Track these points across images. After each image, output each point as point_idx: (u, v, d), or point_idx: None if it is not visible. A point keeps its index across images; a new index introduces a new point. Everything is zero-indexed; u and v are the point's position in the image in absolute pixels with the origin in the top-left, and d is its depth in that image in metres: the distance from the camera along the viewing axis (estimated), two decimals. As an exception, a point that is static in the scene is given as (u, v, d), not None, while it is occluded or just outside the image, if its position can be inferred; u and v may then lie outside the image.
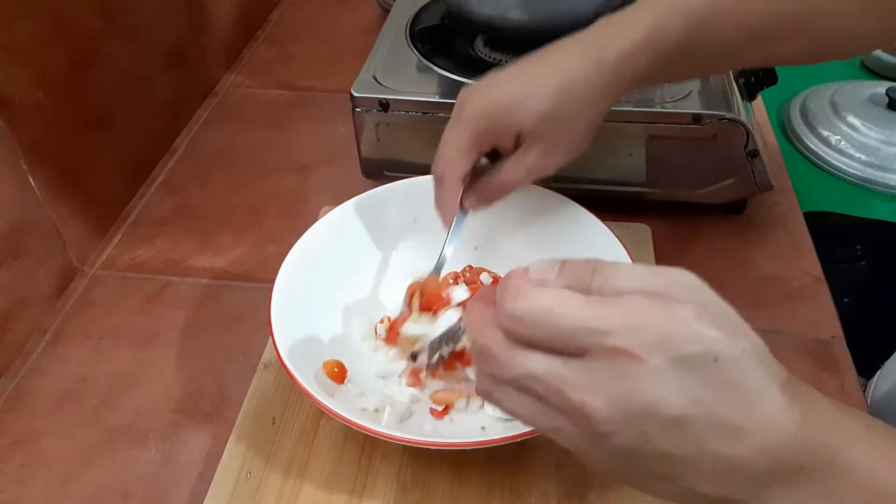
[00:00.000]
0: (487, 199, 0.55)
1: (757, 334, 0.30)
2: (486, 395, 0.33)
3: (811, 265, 0.68)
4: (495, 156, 0.53)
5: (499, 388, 0.32)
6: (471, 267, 0.63)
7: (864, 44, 0.53)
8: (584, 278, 0.31)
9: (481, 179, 0.54)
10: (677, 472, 0.30)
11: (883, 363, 0.75)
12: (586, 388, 0.29)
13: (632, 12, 0.50)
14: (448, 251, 0.56)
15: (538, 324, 0.30)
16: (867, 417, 0.32)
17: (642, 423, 0.29)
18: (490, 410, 0.52)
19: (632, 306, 0.29)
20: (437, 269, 0.57)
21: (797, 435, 0.29)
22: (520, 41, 0.73)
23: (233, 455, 0.52)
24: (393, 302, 0.61)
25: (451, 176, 0.52)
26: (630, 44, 0.48)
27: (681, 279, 0.30)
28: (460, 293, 0.54)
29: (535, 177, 0.53)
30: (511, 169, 0.52)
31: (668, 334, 0.28)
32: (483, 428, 0.52)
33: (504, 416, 0.52)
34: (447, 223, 0.55)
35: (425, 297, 0.55)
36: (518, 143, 0.51)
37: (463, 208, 0.55)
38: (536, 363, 0.30)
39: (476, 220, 0.63)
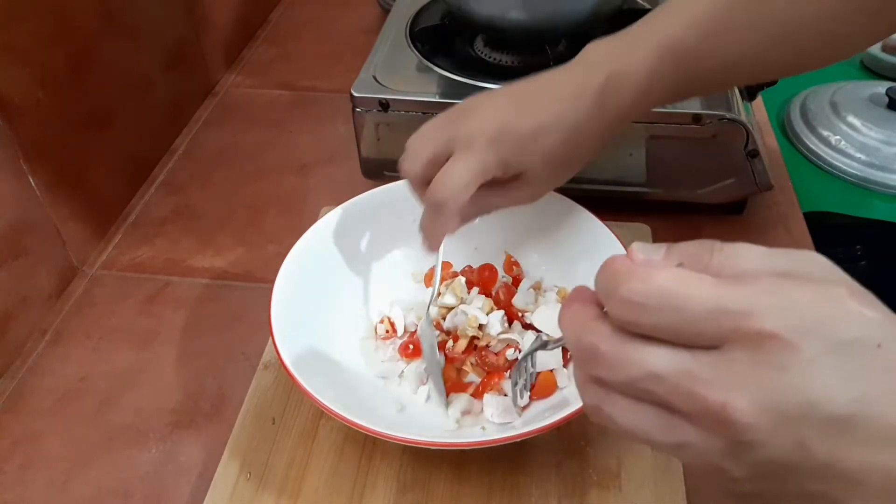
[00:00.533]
0: (468, 220, 0.53)
1: None
2: (595, 413, 0.28)
3: (811, 265, 0.68)
4: None
5: (609, 398, 0.27)
6: (470, 267, 0.63)
7: (852, 48, 0.51)
8: (700, 257, 0.26)
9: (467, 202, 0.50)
10: (838, 491, 0.24)
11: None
12: (726, 385, 0.24)
13: (632, 38, 0.48)
14: (438, 283, 0.56)
15: (662, 308, 0.25)
16: None
17: (799, 427, 0.23)
18: (489, 415, 0.52)
19: (774, 285, 0.24)
20: (432, 298, 0.56)
21: None
22: (520, 41, 0.73)
23: (233, 455, 0.52)
24: (393, 302, 0.61)
25: (453, 207, 0.47)
26: (633, 83, 0.47)
27: (816, 259, 0.26)
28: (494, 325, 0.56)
29: (521, 204, 0.52)
30: (499, 198, 0.51)
31: (822, 316, 0.23)
32: (483, 428, 0.52)
33: (504, 420, 0.51)
34: (433, 249, 0.52)
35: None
36: (515, 177, 0.49)
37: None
38: (659, 359, 0.25)
39: (475, 220, 0.63)
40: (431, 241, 0.52)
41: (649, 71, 0.47)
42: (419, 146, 0.50)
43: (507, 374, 0.54)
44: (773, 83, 0.69)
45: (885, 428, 0.23)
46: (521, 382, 0.50)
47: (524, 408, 0.52)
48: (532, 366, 0.51)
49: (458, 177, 0.47)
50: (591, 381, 0.27)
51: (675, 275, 0.25)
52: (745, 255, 0.26)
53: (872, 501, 0.24)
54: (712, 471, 0.26)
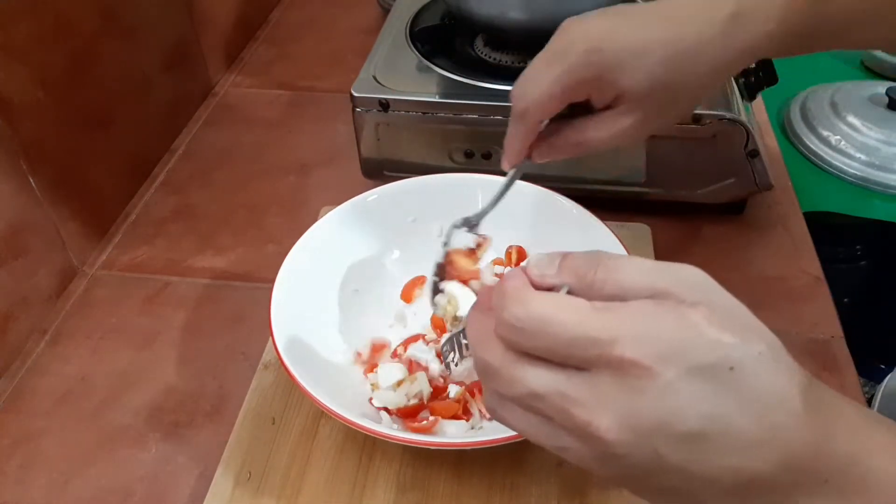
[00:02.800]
0: (560, 155, 0.48)
1: (770, 331, 0.28)
2: (493, 413, 0.31)
3: (811, 265, 0.68)
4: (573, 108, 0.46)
5: (503, 405, 0.30)
6: (520, 248, 0.62)
7: None
8: (586, 273, 0.28)
9: (559, 130, 0.47)
10: (694, 488, 0.28)
11: (883, 363, 0.75)
12: (592, 405, 0.27)
13: None
14: (503, 195, 0.50)
15: (537, 334, 0.27)
16: (890, 422, 0.29)
17: (655, 441, 0.26)
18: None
19: (638, 312, 0.27)
20: (481, 215, 0.51)
21: (821, 446, 0.27)
22: (520, 41, 0.73)
23: (233, 455, 0.52)
24: (392, 301, 0.61)
25: (534, 116, 0.45)
26: (766, 20, 0.43)
27: (689, 276, 0.28)
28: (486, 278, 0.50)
29: (621, 144, 0.46)
30: (598, 129, 0.46)
31: (679, 343, 0.26)
32: (481, 428, 0.52)
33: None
34: (511, 164, 0.49)
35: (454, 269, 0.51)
36: (615, 102, 0.45)
37: (530, 157, 0.49)
38: (538, 380, 0.28)
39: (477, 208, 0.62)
40: (510, 154, 0.48)
41: (783, 9, 0.43)
42: (525, 70, 0.46)
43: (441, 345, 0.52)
44: (774, 83, 0.69)
45: (732, 438, 0.26)
46: (452, 356, 0.47)
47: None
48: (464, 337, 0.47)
49: (542, 80, 0.44)
50: (489, 389, 0.30)
51: (550, 302, 0.28)
52: (626, 270, 0.28)
53: (724, 494, 0.27)
54: (591, 469, 0.29)
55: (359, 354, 0.57)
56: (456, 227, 0.51)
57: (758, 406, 0.26)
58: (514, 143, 0.48)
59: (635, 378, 0.26)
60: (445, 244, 0.50)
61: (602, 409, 0.27)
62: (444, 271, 0.50)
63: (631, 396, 0.26)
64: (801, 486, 0.27)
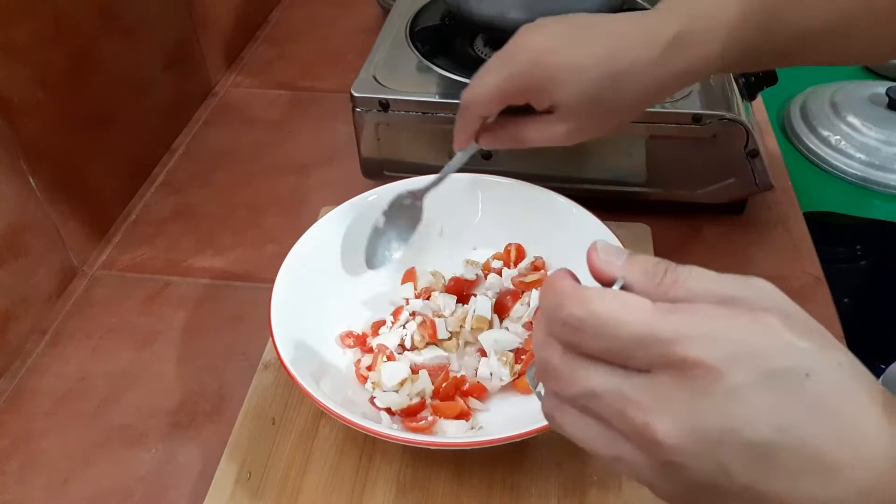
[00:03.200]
0: (501, 145, 0.53)
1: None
2: (550, 419, 0.29)
3: (811, 265, 0.68)
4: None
5: (561, 408, 0.28)
6: (518, 246, 0.62)
7: None
8: (655, 273, 0.27)
9: (502, 124, 0.52)
10: None
11: (883, 363, 0.75)
12: (650, 406, 0.25)
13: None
14: (450, 172, 0.57)
15: (597, 333, 0.26)
16: None
17: (721, 451, 0.24)
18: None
19: (706, 313, 0.25)
20: (434, 182, 0.58)
21: None
22: (520, 41, 0.73)
23: (233, 455, 0.52)
24: (392, 301, 0.61)
25: (474, 111, 0.50)
26: (710, 43, 0.44)
27: (760, 284, 0.27)
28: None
29: (557, 145, 0.49)
30: (533, 131, 0.50)
31: (751, 345, 0.24)
32: (481, 428, 0.52)
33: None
34: (459, 147, 0.54)
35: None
36: (552, 109, 0.48)
37: (476, 141, 0.54)
38: (597, 378, 0.26)
39: (474, 219, 0.62)
40: (459, 140, 0.54)
41: (728, 31, 0.44)
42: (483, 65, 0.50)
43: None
44: (774, 83, 0.69)
45: (807, 456, 0.24)
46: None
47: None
48: None
49: (485, 83, 0.48)
50: (548, 391, 0.29)
51: (612, 301, 0.26)
52: (695, 276, 0.27)
53: None
54: (649, 485, 0.27)
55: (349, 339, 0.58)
56: (401, 197, 0.58)
57: (836, 421, 0.24)
58: (460, 132, 0.53)
59: (699, 379, 0.24)
60: (386, 213, 0.58)
61: (661, 411, 0.25)
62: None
63: (694, 399, 0.24)
64: None
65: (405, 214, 0.59)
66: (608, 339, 0.26)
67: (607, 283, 0.28)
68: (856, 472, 0.24)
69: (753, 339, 0.24)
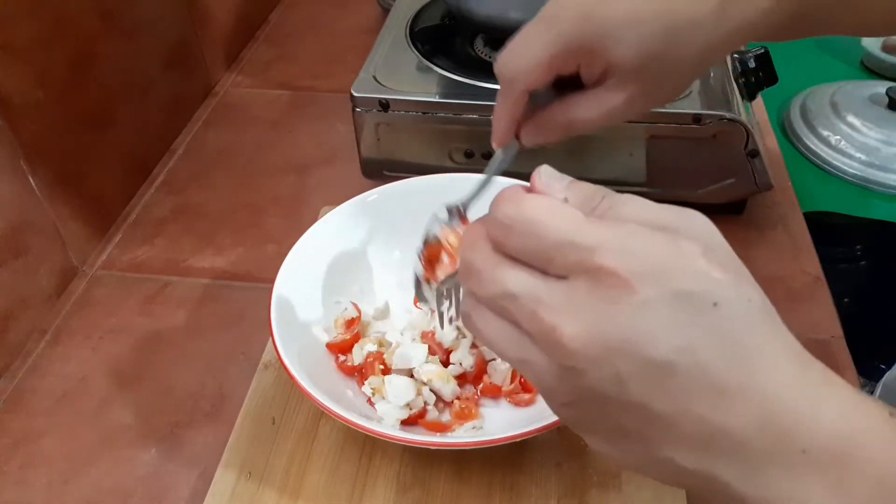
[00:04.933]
0: (548, 136, 0.45)
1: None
2: (466, 320, 0.30)
3: (811, 265, 0.68)
4: (562, 85, 0.44)
5: (477, 309, 0.29)
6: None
7: None
8: (592, 197, 0.28)
9: (546, 111, 0.44)
10: (652, 433, 0.26)
11: (883, 363, 0.75)
12: (561, 310, 0.26)
13: None
14: (492, 175, 0.47)
15: (524, 233, 0.27)
16: (889, 407, 0.26)
17: (619, 361, 0.25)
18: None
19: (631, 230, 0.26)
20: (469, 199, 0.47)
21: (805, 413, 0.25)
22: (520, 41, 0.73)
23: (233, 455, 0.52)
24: (392, 301, 0.61)
25: (521, 85, 0.42)
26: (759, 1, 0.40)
27: (692, 216, 0.27)
28: None
29: (613, 122, 0.43)
30: (588, 107, 0.43)
31: (665, 265, 0.25)
32: (481, 428, 0.52)
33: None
34: (500, 142, 0.46)
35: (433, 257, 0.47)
36: (604, 77, 0.42)
37: (518, 139, 0.46)
38: (516, 280, 0.27)
39: (473, 220, 0.62)
40: (499, 128, 0.46)
41: None
42: (513, 37, 0.43)
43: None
44: (774, 83, 0.69)
45: (703, 380, 0.25)
46: (447, 304, 0.44)
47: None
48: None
49: (530, 47, 0.41)
50: (467, 292, 0.30)
51: (543, 204, 0.27)
52: (631, 203, 0.27)
53: (683, 447, 0.26)
54: (547, 392, 0.28)
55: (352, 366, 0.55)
56: (439, 217, 0.47)
57: (737, 352, 0.25)
58: (501, 118, 0.45)
59: (611, 289, 0.25)
60: (428, 238, 0.46)
61: (570, 316, 0.25)
62: (432, 261, 0.46)
63: (603, 307, 0.25)
64: (774, 455, 0.25)
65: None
66: (532, 239, 0.27)
67: None
68: (749, 402, 0.25)
69: (669, 260, 0.25)
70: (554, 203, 0.27)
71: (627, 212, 0.27)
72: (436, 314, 0.45)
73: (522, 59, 0.42)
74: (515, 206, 0.27)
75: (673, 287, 0.25)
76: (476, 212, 0.52)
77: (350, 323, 0.57)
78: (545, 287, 0.26)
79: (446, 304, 0.44)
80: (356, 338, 0.56)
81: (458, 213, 0.47)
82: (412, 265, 0.45)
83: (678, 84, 0.45)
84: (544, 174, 0.29)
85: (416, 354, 0.54)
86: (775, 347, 0.26)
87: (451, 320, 0.44)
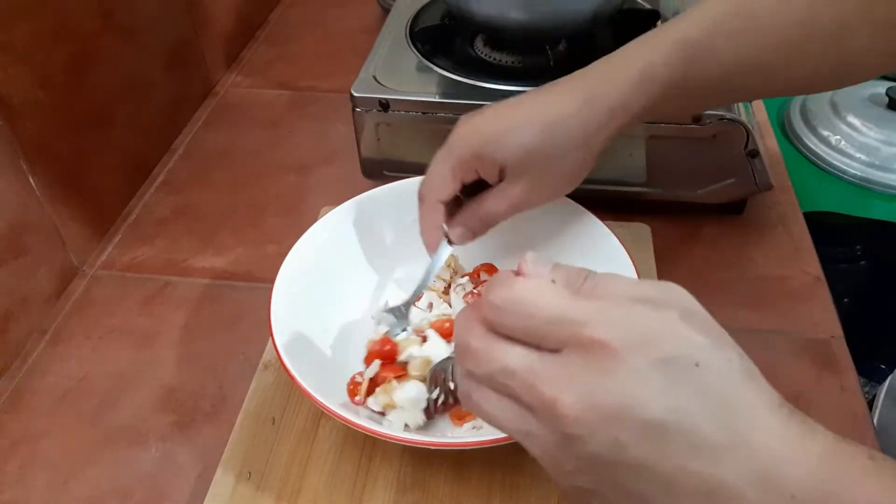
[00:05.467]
0: (472, 231, 0.54)
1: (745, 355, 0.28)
2: (467, 400, 0.31)
3: (811, 265, 0.68)
4: (479, 188, 0.53)
5: (476, 389, 0.30)
6: (489, 266, 0.62)
7: (869, 70, 0.50)
8: (575, 280, 0.30)
9: (465, 210, 0.53)
10: (654, 491, 0.27)
11: (883, 364, 0.75)
12: (558, 382, 0.27)
13: (627, 52, 0.50)
14: (428, 280, 0.56)
15: (517, 313, 0.29)
16: (869, 450, 0.28)
17: (617, 426, 0.27)
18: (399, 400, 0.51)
19: (616, 303, 0.28)
20: (414, 296, 0.56)
21: (791, 461, 0.27)
22: (520, 41, 0.73)
23: (233, 455, 0.52)
24: (392, 301, 0.61)
25: (432, 197, 0.52)
26: (624, 85, 0.48)
27: (671, 288, 0.29)
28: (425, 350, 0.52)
29: (518, 210, 0.52)
30: (493, 201, 0.52)
31: (649, 333, 0.27)
32: (481, 428, 0.52)
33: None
34: (430, 249, 0.55)
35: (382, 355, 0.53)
36: (502, 177, 0.51)
37: (450, 241, 0.54)
38: (513, 356, 0.29)
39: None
40: (429, 240, 0.55)
41: (635, 80, 0.48)
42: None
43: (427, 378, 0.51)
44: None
45: (694, 437, 0.26)
46: (435, 393, 0.48)
47: (432, 414, 0.50)
48: (452, 380, 0.47)
49: (436, 171, 0.52)
50: (465, 373, 0.31)
51: (533, 285, 0.29)
52: (613, 281, 0.29)
53: (685, 502, 0.27)
54: (551, 463, 0.29)
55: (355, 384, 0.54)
56: (385, 320, 0.56)
57: (722, 409, 0.27)
58: (428, 229, 0.54)
59: (602, 360, 0.27)
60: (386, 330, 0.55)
61: (567, 387, 0.27)
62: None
63: (596, 377, 0.27)
64: (767, 502, 0.27)
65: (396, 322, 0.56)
66: (525, 319, 0.29)
67: None
68: (739, 456, 0.26)
69: (652, 328, 0.27)
70: (543, 283, 0.29)
71: (610, 289, 0.29)
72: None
73: (431, 179, 0.52)
74: (508, 288, 0.29)
75: (657, 353, 0.27)
76: (415, 311, 0.57)
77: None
78: (541, 361, 0.28)
79: (434, 389, 0.48)
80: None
81: (403, 313, 0.56)
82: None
83: (571, 173, 0.52)
84: (531, 261, 0.31)
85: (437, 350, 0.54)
86: (758, 402, 0.27)
87: (438, 400, 0.48)
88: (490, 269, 0.63)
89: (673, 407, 0.26)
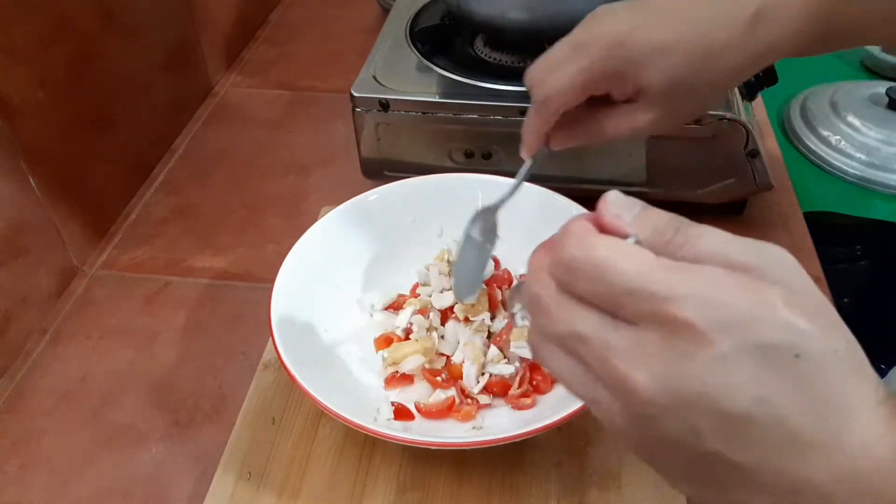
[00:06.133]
0: (577, 142, 0.48)
1: (855, 339, 0.25)
2: (534, 351, 0.29)
3: (811, 265, 0.68)
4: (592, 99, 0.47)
5: (546, 345, 0.28)
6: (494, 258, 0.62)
7: None
8: (665, 230, 0.27)
9: (576, 121, 0.47)
10: (728, 481, 0.25)
11: (883, 364, 0.75)
12: (633, 358, 0.25)
13: None
14: (521, 181, 0.50)
15: (594, 278, 0.26)
16: None
17: (695, 414, 0.24)
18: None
19: (708, 276, 0.24)
20: (500, 202, 0.50)
21: (888, 468, 0.24)
22: (520, 41, 0.73)
23: (233, 455, 0.52)
24: (391, 301, 0.61)
25: (553, 106, 0.45)
26: (788, 19, 0.43)
27: (775, 254, 0.26)
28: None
29: (640, 136, 0.47)
30: (617, 122, 0.46)
31: (745, 315, 0.24)
32: (481, 428, 0.52)
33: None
34: (531, 152, 0.48)
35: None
36: (635, 96, 0.45)
37: (548, 144, 0.48)
38: (585, 323, 0.26)
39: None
40: (529, 141, 0.48)
41: (804, 6, 0.43)
42: (545, 53, 0.46)
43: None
44: (774, 83, 0.69)
45: (784, 433, 0.24)
46: (518, 307, 0.47)
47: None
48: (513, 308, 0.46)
49: (565, 73, 0.44)
50: (535, 326, 0.29)
51: (613, 248, 0.26)
52: (708, 237, 0.26)
53: (763, 493, 0.25)
54: (620, 431, 0.27)
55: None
56: (476, 218, 0.51)
57: (820, 404, 0.24)
58: (533, 131, 0.47)
59: (686, 341, 0.24)
60: (469, 233, 0.51)
61: (643, 365, 0.25)
62: None
63: (678, 359, 0.24)
64: None
65: (486, 235, 0.52)
66: (602, 285, 0.26)
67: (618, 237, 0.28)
68: (835, 456, 0.24)
69: (750, 311, 0.24)
70: (624, 246, 0.26)
71: (703, 249, 0.26)
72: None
73: (557, 81, 0.44)
74: (583, 248, 0.26)
75: (753, 339, 0.24)
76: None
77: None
78: (615, 332, 0.26)
79: (517, 305, 0.46)
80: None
81: (489, 213, 0.51)
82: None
83: (705, 103, 0.47)
84: (612, 203, 0.28)
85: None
86: (860, 403, 0.25)
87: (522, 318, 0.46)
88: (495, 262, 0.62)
89: (762, 398, 0.24)
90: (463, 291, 0.54)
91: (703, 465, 0.26)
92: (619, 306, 0.26)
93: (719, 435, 0.24)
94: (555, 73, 0.44)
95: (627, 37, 0.43)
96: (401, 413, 0.52)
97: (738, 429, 0.24)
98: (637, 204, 0.28)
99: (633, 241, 0.27)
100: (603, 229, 0.28)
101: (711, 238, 0.26)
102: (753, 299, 0.24)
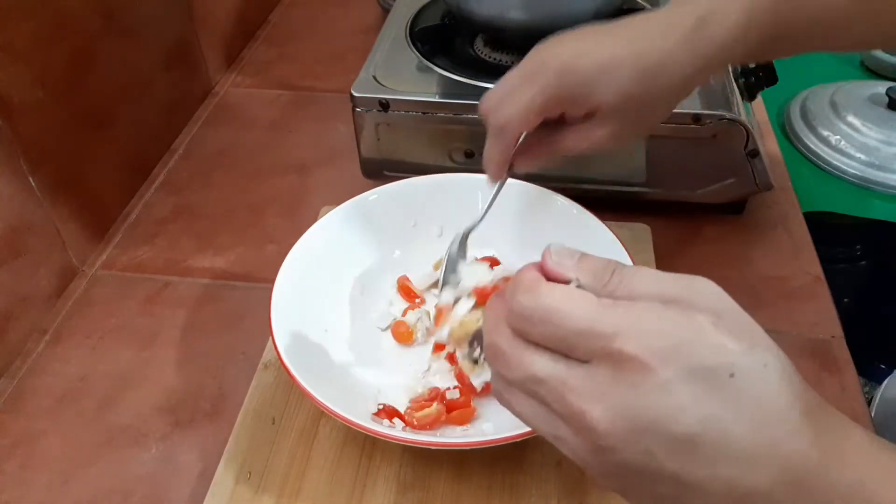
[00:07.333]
0: (539, 164, 0.51)
1: (780, 349, 0.28)
2: (498, 397, 0.32)
3: (811, 265, 0.68)
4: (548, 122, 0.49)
5: (508, 389, 0.31)
6: (492, 259, 0.62)
7: None
8: (601, 276, 0.29)
9: (537, 142, 0.50)
10: (686, 498, 0.27)
11: (883, 363, 0.75)
12: (588, 394, 0.27)
13: None
14: (487, 212, 0.52)
15: (544, 322, 0.28)
16: None
17: (648, 440, 0.26)
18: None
19: (644, 311, 0.27)
20: (470, 229, 0.53)
21: (825, 467, 0.27)
22: (520, 41, 0.73)
23: (233, 455, 0.52)
24: (391, 300, 0.61)
25: (512, 131, 0.48)
26: (731, 23, 0.44)
27: (701, 285, 0.28)
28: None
29: (597, 150, 0.48)
30: (575, 139, 0.48)
31: (681, 342, 0.26)
32: (481, 428, 0.52)
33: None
34: (495, 179, 0.51)
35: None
36: (589, 115, 0.47)
37: (512, 169, 0.51)
38: (541, 365, 0.29)
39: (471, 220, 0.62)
40: (492, 168, 0.51)
41: (747, 11, 0.45)
42: (496, 85, 0.48)
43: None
44: (774, 83, 0.69)
45: (727, 447, 0.26)
46: (478, 350, 0.46)
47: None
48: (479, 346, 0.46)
49: (519, 99, 0.46)
50: (496, 373, 0.31)
51: (563, 294, 0.28)
52: (641, 276, 0.29)
53: None
54: (584, 464, 0.29)
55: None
56: (457, 243, 0.53)
57: (757, 417, 0.26)
58: (495, 158, 0.50)
59: (633, 373, 0.26)
60: (452, 257, 0.52)
61: (596, 400, 0.27)
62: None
63: (627, 391, 0.26)
64: None
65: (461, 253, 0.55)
66: (553, 329, 0.28)
67: (562, 283, 0.30)
68: (772, 463, 0.26)
69: (684, 338, 0.26)
70: (569, 291, 0.29)
71: (637, 287, 0.28)
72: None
73: (511, 107, 0.47)
74: (533, 296, 0.29)
75: (690, 364, 0.26)
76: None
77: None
78: (570, 371, 0.28)
79: (477, 349, 0.46)
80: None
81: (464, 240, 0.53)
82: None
83: (659, 115, 0.49)
84: (555, 253, 0.30)
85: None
86: (794, 409, 0.27)
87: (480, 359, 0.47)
88: (493, 262, 0.63)
89: (706, 417, 0.26)
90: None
91: (664, 488, 0.27)
92: (571, 347, 0.28)
93: (674, 457, 0.26)
94: (509, 99, 0.47)
95: (575, 61, 0.45)
96: (388, 413, 0.52)
97: (688, 448, 0.26)
98: (576, 253, 0.31)
99: (575, 284, 0.30)
100: (548, 277, 0.30)
101: (644, 276, 0.29)
102: (686, 326, 0.26)
